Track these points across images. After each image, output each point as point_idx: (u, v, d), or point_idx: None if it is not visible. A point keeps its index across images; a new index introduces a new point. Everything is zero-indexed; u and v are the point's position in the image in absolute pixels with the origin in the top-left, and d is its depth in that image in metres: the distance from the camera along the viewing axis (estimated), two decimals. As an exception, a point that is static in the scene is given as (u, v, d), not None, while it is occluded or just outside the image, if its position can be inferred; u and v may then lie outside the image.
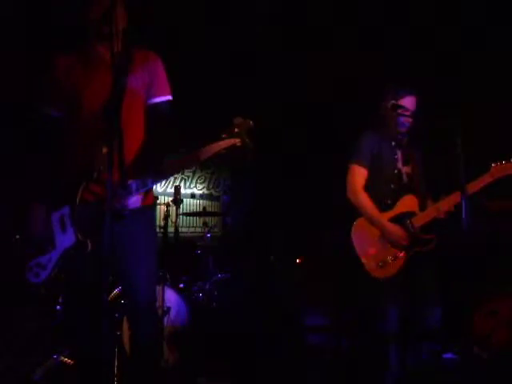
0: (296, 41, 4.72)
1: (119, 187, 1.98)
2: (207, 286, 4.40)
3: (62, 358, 3.27)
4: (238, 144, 1.92)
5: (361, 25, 4.41)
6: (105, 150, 1.95)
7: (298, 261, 5.21)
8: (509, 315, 3.51)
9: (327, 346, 4.17)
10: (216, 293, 4.44)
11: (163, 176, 2.07)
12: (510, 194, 3.50)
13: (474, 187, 2.76)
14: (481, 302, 3.58)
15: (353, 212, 3.00)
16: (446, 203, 2.84)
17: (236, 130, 1.92)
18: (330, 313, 4.43)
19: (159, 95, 2.21)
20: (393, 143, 2.98)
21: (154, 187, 2.41)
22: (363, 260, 2.92)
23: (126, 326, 3.25)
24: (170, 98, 2.24)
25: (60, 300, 3.44)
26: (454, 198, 2.81)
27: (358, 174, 2.97)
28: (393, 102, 2.86)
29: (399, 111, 2.85)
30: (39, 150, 2.22)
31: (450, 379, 2.93)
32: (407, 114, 2.87)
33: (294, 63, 4.97)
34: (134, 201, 2.09)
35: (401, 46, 4.53)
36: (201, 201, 6.64)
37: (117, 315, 3.34)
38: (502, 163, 2.77)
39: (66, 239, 2.08)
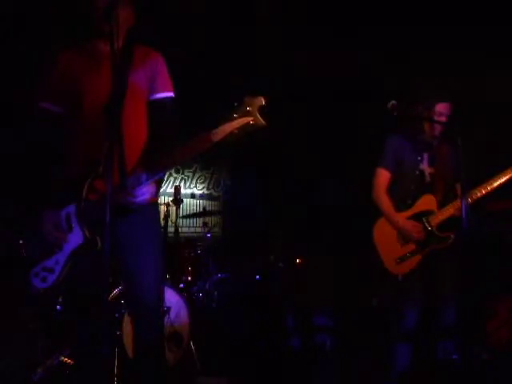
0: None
1: (130, 177, 1.96)
2: (207, 286, 4.40)
3: (62, 357, 3.27)
4: (252, 122, 1.85)
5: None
6: (107, 144, 1.92)
7: (297, 261, 5.21)
8: (509, 315, 3.51)
9: (328, 346, 4.17)
10: (216, 293, 4.44)
11: (173, 162, 2.01)
12: (510, 194, 3.50)
13: (496, 183, 2.86)
14: (481, 302, 3.57)
15: (375, 212, 3.13)
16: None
17: (248, 108, 1.84)
18: (329, 313, 4.43)
19: (161, 91, 2.21)
20: (418, 146, 3.09)
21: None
22: (382, 256, 3.05)
23: (125, 326, 3.25)
24: (172, 94, 2.24)
25: (60, 300, 3.44)
26: (469, 197, 2.86)
27: (381, 177, 3.15)
28: (393, 102, 2.87)
29: (434, 116, 2.97)
30: (42, 148, 2.20)
31: (450, 379, 2.93)
32: (442, 118, 2.99)
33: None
34: (144, 192, 2.03)
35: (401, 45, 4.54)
36: (201, 201, 6.64)
37: (117, 315, 3.34)
38: None
39: (73, 239, 2.05)
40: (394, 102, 2.88)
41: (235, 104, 1.86)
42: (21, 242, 2.22)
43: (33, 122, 2.23)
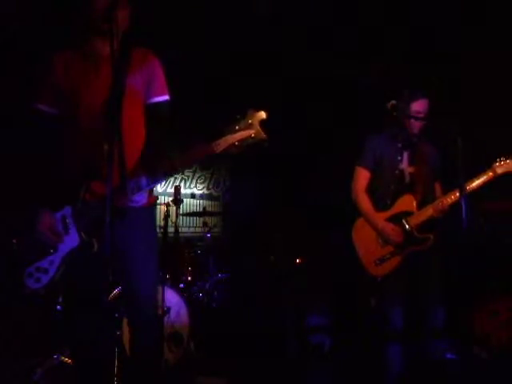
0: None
1: (131, 181, 1.98)
2: (207, 286, 4.40)
3: (62, 357, 3.27)
4: (253, 135, 1.90)
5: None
6: (106, 147, 1.93)
7: (297, 261, 5.21)
8: (508, 315, 3.51)
9: (327, 346, 4.17)
10: (216, 293, 4.44)
11: (174, 169, 2.03)
12: (510, 194, 3.50)
13: (474, 184, 2.79)
14: (481, 302, 3.58)
15: (354, 212, 3.08)
16: (441, 203, 2.86)
17: (250, 121, 1.90)
18: (329, 313, 4.43)
19: (158, 95, 2.21)
20: (399, 145, 3.02)
21: (154, 187, 2.40)
22: (362, 258, 3.00)
23: (125, 325, 3.25)
24: (167, 97, 2.24)
25: (60, 300, 3.44)
26: (449, 198, 2.84)
27: (360, 176, 3.08)
28: (392, 102, 2.88)
29: (412, 113, 2.91)
30: (39, 149, 2.19)
31: (450, 379, 2.93)
32: (420, 116, 2.93)
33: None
34: (142, 197, 2.06)
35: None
36: (201, 201, 6.64)
37: (117, 315, 3.34)
38: (504, 160, 2.79)
39: (69, 240, 2.06)
40: (393, 101, 2.88)
41: (238, 116, 1.92)
42: (14, 241, 2.21)
43: (30, 123, 2.23)
